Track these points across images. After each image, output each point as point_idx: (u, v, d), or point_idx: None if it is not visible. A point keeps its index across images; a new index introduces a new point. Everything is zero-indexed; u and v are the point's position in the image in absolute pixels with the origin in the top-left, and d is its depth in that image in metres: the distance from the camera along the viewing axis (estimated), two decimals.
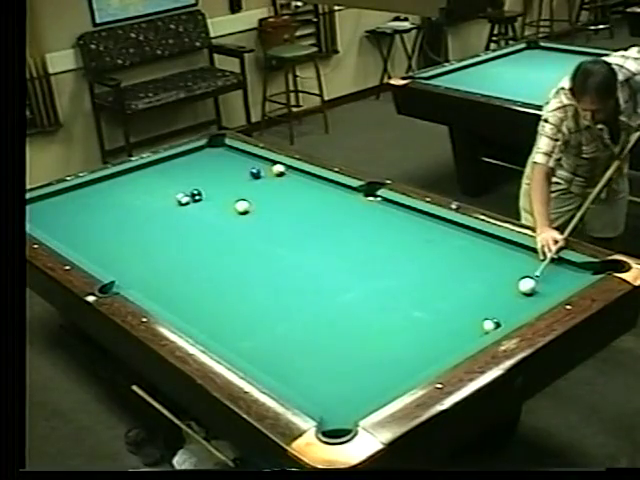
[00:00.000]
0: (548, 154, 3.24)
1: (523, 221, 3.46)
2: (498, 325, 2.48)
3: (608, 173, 3.32)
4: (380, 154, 6.01)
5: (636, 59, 3.36)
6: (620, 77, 3.21)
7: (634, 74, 3.31)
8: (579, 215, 3.27)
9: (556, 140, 3.24)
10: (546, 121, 3.27)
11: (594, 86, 3.06)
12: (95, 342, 3.14)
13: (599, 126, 3.25)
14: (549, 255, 2.84)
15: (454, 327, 2.54)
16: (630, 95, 3.30)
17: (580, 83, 3.10)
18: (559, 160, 3.34)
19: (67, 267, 3.00)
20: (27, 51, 5.37)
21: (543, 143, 3.26)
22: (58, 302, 3.38)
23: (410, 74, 5.58)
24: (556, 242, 2.88)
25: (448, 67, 5.41)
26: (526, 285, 2.68)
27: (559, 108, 3.24)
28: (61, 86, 5.80)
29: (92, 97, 5.93)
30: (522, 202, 3.63)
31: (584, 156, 3.37)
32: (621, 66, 3.28)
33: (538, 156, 3.26)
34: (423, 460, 2.18)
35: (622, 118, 3.30)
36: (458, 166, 5.36)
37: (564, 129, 3.25)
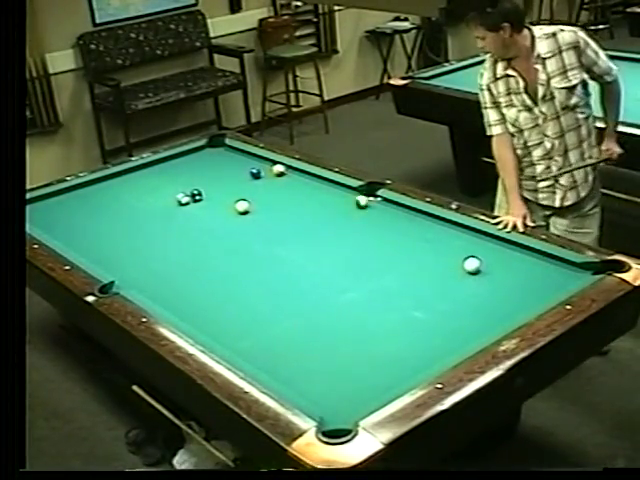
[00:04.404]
0: (497, 122, 3.24)
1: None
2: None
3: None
4: (380, 154, 6.00)
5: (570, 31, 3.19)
6: (547, 30, 3.13)
7: (561, 30, 3.13)
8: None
9: (496, 105, 3.23)
10: (481, 90, 3.25)
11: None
12: (95, 342, 3.14)
13: (510, 72, 3.13)
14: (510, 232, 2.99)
15: (454, 327, 2.54)
16: (554, 51, 3.09)
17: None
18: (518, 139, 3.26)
19: (67, 267, 3.00)
20: (27, 51, 5.37)
21: (488, 115, 3.26)
22: (58, 302, 3.38)
23: (410, 74, 5.59)
24: (525, 226, 3.02)
25: (448, 67, 5.41)
26: (471, 265, 2.79)
27: (484, 71, 3.24)
28: (61, 86, 5.80)
29: (92, 97, 5.94)
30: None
31: (522, 128, 3.22)
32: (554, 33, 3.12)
33: (489, 129, 3.26)
34: (423, 460, 2.18)
35: (537, 67, 3.10)
36: (458, 166, 5.36)
37: (495, 92, 3.22)
